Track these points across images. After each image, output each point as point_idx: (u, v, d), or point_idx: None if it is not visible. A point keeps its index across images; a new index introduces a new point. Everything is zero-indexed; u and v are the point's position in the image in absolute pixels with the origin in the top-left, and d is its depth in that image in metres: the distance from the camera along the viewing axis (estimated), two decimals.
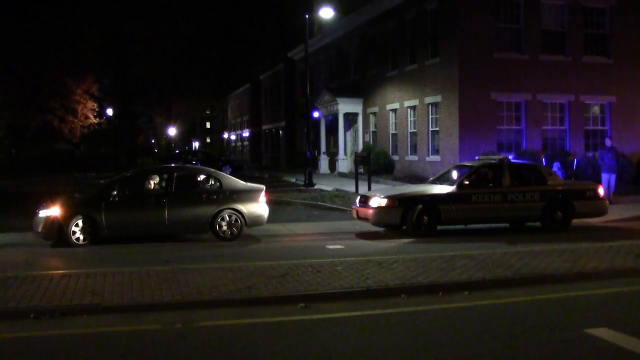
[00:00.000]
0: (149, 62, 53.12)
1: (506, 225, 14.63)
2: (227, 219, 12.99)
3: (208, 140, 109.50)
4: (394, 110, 29.22)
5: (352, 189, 22.31)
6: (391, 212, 13.22)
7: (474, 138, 22.90)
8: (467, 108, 23.08)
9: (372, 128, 32.18)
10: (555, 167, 19.60)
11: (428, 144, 25.87)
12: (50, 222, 12.20)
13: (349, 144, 34.72)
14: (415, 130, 27.07)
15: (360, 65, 33.75)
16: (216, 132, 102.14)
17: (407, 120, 27.80)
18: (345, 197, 20.52)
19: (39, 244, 12.64)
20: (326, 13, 28.02)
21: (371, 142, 31.68)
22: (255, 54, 67.78)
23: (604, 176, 18.67)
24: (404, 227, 13.37)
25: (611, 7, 24.62)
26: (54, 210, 12.27)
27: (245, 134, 69.78)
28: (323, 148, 36.69)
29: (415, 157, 26.94)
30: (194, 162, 39.26)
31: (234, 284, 8.56)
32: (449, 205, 13.27)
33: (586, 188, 14.56)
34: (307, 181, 25.69)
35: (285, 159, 48.88)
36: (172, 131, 74.15)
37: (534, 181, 14.13)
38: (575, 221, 14.27)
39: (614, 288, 8.63)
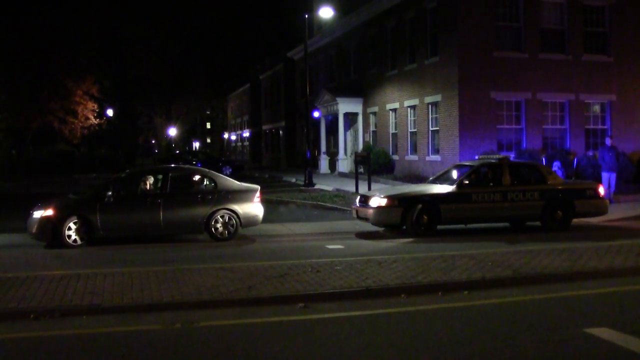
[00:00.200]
0: (148, 63, 53.14)
1: (506, 224, 14.63)
2: (222, 219, 12.98)
3: (208, 140, 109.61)
4: (394, 110, 29.22)
5: (352, 188, 22.30)
6: (391, 211, 13.21)
7: (474, 137, 22.89)
8: (467, 107, 23.06)
9: (372, 128, 32.17)
10: (556, 166, 19.57)
11: (428, 144, 25.86)
12: (44, 222, 12.15)
13: (349, 144, 34.72)
14: (415, 130, 27.06)
15: (360, 64, 33.75)
16: (216, 132, 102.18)
17: (407, 120, 27.79)
18: (345, 197, 20.51)
19: (33, 245, 12.59)
20: (326, 13, 28.02)
21: (371, 142, 31.68)
22: (255, 54, 67.90)
23: (605, 175, 18.65)
24: (404, 227, 13.37)
25: (611, 5, 24.60)
26: (48, 211, 12.23)
27: (246, 134, 69.79)
28: (323, 148, 36.69)
29: (415, 157, 26.94)
30: (194, 163, 39.29)
31: (234, 284, 8.56)
32: (448, 205, 13.27)
33: (586, 187, 14.55)
34: (307, 181, 25.68)
35: (286, 159, 48.89)
36: (172, 132, 74.16)
37: (533, 180, 14.12)
38: (575, 220, 14.27)
39: (614, 287, 8.62)
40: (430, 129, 25.74)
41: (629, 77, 24.75)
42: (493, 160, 14.52)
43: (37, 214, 12.30)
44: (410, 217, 13.09)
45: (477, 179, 13.88)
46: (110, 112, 51.05)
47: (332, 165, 35.58)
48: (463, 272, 9.08)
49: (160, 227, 12.79)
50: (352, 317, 7.34)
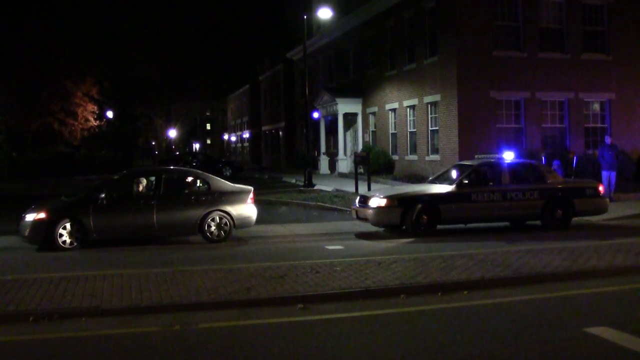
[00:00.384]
0: (148, 64, 53.13)
1: (506, 224, 14.61)
2: (216, 220, 12.94)
3: (208, 141, 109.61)
4: (393, 110, 29.20)
5: (352, 189, 22.28)
6: (391, 212, 13.19)
7: (473, 137, 22.87)
8: (466, 107, 23.05)
9: (371, 128, 32.16)
10: (555, 165, 19.54)
11: (427, 144, 25.84)
12: (37, 225, 12.08)
13: (348, 144, 34.70)
14: (415, 130, 27.04)
15: (359, 65, 33.74)
16: (216, 133, 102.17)
17: (407, 120, 27.78)
18: (345, 198, 20.49)
19: (26, 248, 12.54)
20: (324, 13, 27.99)
21: (371, 142, 31.66)
22: (254, 55, 67.87)
23: (604, 174, 18.63)
24: (404, 227, 13.35)
25: (609, 3, 24.59)
26: (40, 214, 12.17)
27: (245, 135, 69.78)
28: (323, 148, 36.67)
29: (415, 157, 26.92)
30: (194, 164, 39.28)
31: (233, 285, 8.54)
32: (448, 205, 13.25)
33: (586, 186, 14.52)
34: (306, 182, 25.66)
35: (285, 159, 48.87)
36: (172, 133, 74.15)
37: (533, 180, 14.10)
38: (575, 219, 14.25)
39: (614, 286, 8.60)
40: (430, 128, 25.73)
41: (628, 76, 24.72)
42: (492, 160, 14.50)
43: (30, 217, 12.23)
44: (409, 217, 13.07)
45: (476, 178, 13.86)
46: (110, 114, 51.03)
47: (332, 165, 35.56)
48: (463, 272, 9.06)
49: (154, 229, 12.76)
50: (352, 318, 7.32)
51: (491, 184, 13.79)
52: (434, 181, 14.86)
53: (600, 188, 14.57)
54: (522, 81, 23.46)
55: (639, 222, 14.93)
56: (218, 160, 47.40)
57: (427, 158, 25.75)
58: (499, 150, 22.28)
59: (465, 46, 23.10)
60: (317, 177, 30.79)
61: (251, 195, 13.45)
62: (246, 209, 13.25)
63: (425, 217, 13.14)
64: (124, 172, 14.43)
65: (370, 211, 13.33)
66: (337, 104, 33.18)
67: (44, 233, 12.11)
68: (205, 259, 10.95)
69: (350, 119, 34.24)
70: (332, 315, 7.45)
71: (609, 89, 24.56)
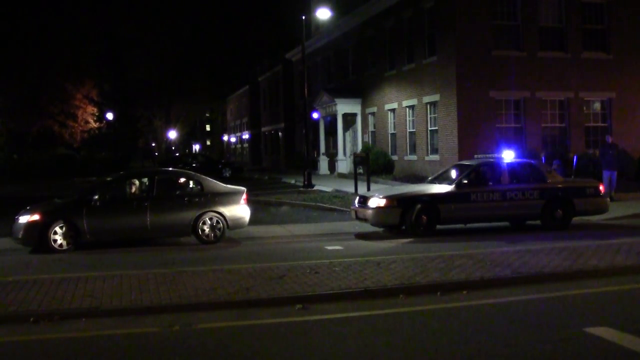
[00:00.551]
0: (147, 66, 53.19)
1: (506, 224, 14.58)
2: (209, 221, 12.91)
3: (208, 143, 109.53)
4: (393, 110, 29.19)
5: (352, 189, 22.26)
6: (390, 212, 13.17)
7: (473, 137, 22.85)
8: (465, 107, 23.03)
9: (371, 128, 32.15)
10: (556, 164, 19.54)
11: (427, 144, 25.82)
12: (30, 227, 12.05)
13: (348, 145, 34.69)
14: (414, 130, 27.02)
15: (358, 65, 33.73)
16: (216, 134, 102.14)
17: (406, 120, 27.76)
18: (344, 198, 20.48)
19: (19, 250, 12.50)
20: (323, 14, 27.99)
21: (370, 143, 31.65)
22: (254, 56, 67.85)
23: (605, 173, 18.60)
24: (403, 227, 13.33)
25: (609, 1, 24.55)
26: (34, 216, 12.14)
27: (245, 136, 69.76)
28: (322, 149, 36.65)
29: (414, 157, 26.90)
30: (194, 165, 39.28)
31: (232, 285, 8.52)
32: (448, 205, 13.23)
33: (586, 185, 14.50)
34: (306, 182, 25.64)
35: (285, 160, 48.85)
36: (172, 134, 74.16)
37: (533, 179, 14.07)
38: (576, 219, 14.22)
39: (615, 286, 8.57)
40: (429, 128, 25.71)
41: (628, 74, 24.69)
42: (492, 160, 14.48)
43: (23, 219, 12.20)
44: (409, 217, 13.05)
45: (476, 178, 13.84)
46: (110, 116, 51.05)
47: (332, 166, 35.55)
48: (462, 272, 9.04)
49: (147, 231, 12.73)
50: (351, 318, 7.30)
51: (491, 183, 13.76)
52: (433, 181, 14.84)
53: (601, 188, 14.55)
54: (521, 81, 23.43)
55: None
56: (218, 161, 47.41)
57: (426, 158, 25.73)
58: (499, 150, 22.28)
59: (465, 46, 23.08)
60: (316, 177, 30.77)
61: (244, 196, 13.41)
62: (239, 210, 13.21)
63: (425, 217, 13.12)
64: (118, 173, 14.36)
65: (370, 211, 13.31)
66: (336, 104, 33.17)
67: (38, 235, 12.07)
68: (204, 260, 10.93)
69: (349, 119, 34.23)
70: (331, 315, 7.43)
71: (609, 88, 24.53)
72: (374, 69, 31.28)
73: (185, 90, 65.00)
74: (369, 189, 19.87)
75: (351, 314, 7.45)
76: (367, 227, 14.20)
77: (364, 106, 32.78)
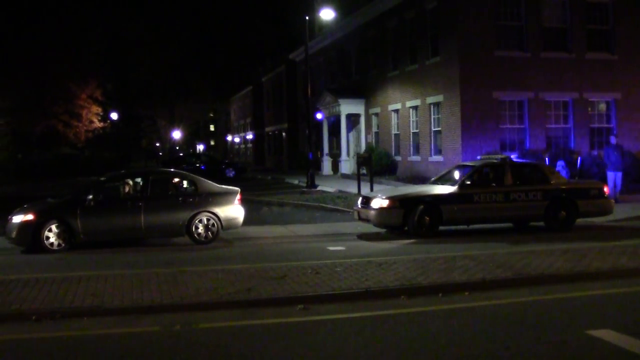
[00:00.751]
0: (150, 66, 53.26)
1: (509, 225, 14.53)
2: (204, 222, 12.88)
3: (212, 143, 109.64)
4: (396, 111, 29.15)
5: (355, 190, 22.22)
6: (392, 212, 13.14)
7: (476, 137, 22.80)
8: (469, 107, 22.97)
9: (374, 129, 32.11)
10: (559, 166, 19.45)
11: (430, 144, 25.77)
12: (24, 227, 12.02)
13: (351, 145, 34.66)
14: (418, 131, 26.97)
15: (361, 65, 33.70)
16: (220, 134, 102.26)
17: (409, 121, 27.72)
18: (347, 199, 20.44)
19: (12, 249, 12.48)
20: (326, 14, 27.96)
21: (374, 143, 31.61)
22: (257, 56, 67.89)
23: (610, 175, 18.52)
24: (406, 228, 13.29)
25: (615, 1, 24.43)
26: (28, 216, 12.11)
27: (249, 136, 69.80)
28: (326, 149, 36.63)
29: (417, 158, 26.85)
30: (197, 165, 39.29)
31: (233, 285, 8.51)
32: (450, 206, 13.18)
33: (590, 187, 14.43)
34: (309, 183, 25.62)
35: (288, 160, 48.85)
36: (176, 134, 74.26)
37: (536, 180, 14.01)
38: (580, 221, 14.15)
39: (618, 289, 8.52)
40: (433, 129, 25.66)
41: (634, 75, 24.56)
42: (495, 161, 14.44)
43: (17, 219, 12.18)
44: (411, 218, 13.01)
45: (479, 179, 13.80)
46: (114, 116, 51.16)
47: (335, 166, 35.53)
48: (464, 274, 9.00)
49: (141, 231, 12.72)
50: (352, 319, 7.28)
51: (494, 184, 13.71)
52: (436, 182, 14.79)
53: (605, 189, 14.47)
54: (525, 81, 23.37)
55: None
56: (221, 161, 47.39)
57: (430, 159, 25.68)
58: (503, 151, 22.25)
59: (468, 46, 23.03)
60: (320, 178, 30.74)
61: (238, 196, 13.38)
62: (233, 210, 13.18)
63: (427, 218, 13.08)
64: (111, 173, 14.33)
65: (372, 212, 13.28)
66: (339, 105, 33.15)
67: (31, 235, 12.04)
68: (205, 260, 10.93)
69: (353, 119, 34.21)
70: (332, 316, 7.41)
71: (614, 89, 24.43)
72: (377, 69, 31.25)
73: (189, 90, 65.14)
74: (372, 190, 19.82)
75: (352, 315, 7.43)
76: (370, 228, 14.17)
77: (367, 107, 32.75)
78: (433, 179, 15.81)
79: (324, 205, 19.43)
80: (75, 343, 6.65)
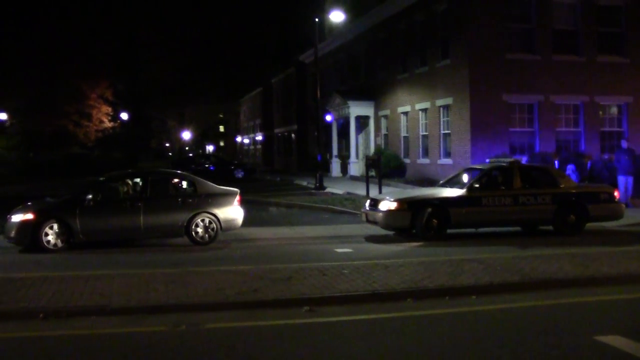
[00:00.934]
0: (161, 67, 53.48)
1: (518, 228, 14.44)
2: (203, 223, 12.85)
3: (222, 144, 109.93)
4: (405, 113, 29.08)
5: (363, 192, 22.16)
6: (400, 215, 13.10)
7: (486, 140, 22.69)
8: (478, 110, 22.88)
9: (383, 131, 32.06)
10: (570, 169, 19.33)
11: (440, 147, 25.69)
12: (23, 226, 12.03)
13: (360, 147, 34.62)
14: (427, 133, 26.89)
15: (370, 68, 33.66)
16: (229, 135, 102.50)
17: (419, 123, 27.65)
18: (355, 201, 20.41)
19: (9, 248, 12.50)
20: (336, 16, 27.97)
21: (383, 145, 31.55)
22: (267, 58, 68.01)
23: (621, 179, 18.36)
24: (414, 231, 13.24)
25: (627, 4, 24.26)
26: (27, 215, 12.12)
27: (258, 137, 69.92)
28: (335, 151, 36.61)
29: (426, 160, 26.77)
30: (206, 166, 39.42)
31: (239, 286, 8.51)
32: (458, 209, 13.12)
33: (601, 191, 14.32)
34: (317, 184, 25.62)
35: (297, 162, 48.87)
36: (185, 135, 74.49)
37: (545, 184, 13.92)
38: (590, 225, 14.03)
39: (627, 294, 8.43)
40: (442, 132, 25.58)
41: None
42: (504, 164, 14.35)
43: (16, 218, 12.19)
44: (419, 220, 12.96)
45: (487, 182, 13.72)
46: (124, 116, 51.39)
47: (344, 168, 35.50)
48: (471, 277, 8.95)
49: (140, 231, 12.71)
50: (358, 321, 7.26)
51: (502, 188, 13.64)
52: (444, 185, 14.74)
53: (616, 193, 14.35)
54: (535, 84, 23.24)
55: None
56: (230, 162, 47.48)
57: (439, 162, 25.59)
58: (512, 154, 22.13)
59: (477, 49, 22.94)
60: (328, 179, 30.73)
61: (237, 197, 13.35)
62: (233, 211, 13.15)
63: (435, 221, 13.02)
64: (110, 174, 14.29)
65: (380, 214, 13.24)
66: (349, 107, 33.12)
67: (30, 234, 12.05)
68: (210, 260, 10.93)
69: (362, 122, 34.17)
70: (338, 318, 7.39)
71: (625, 92, 24.23)
72: (386, 71, 31.20)
73: (199, 91, 65.31)
74: (380, 192, 19.78)
75: (358, 317, 7.40)
76: (378, 230, 14.12)
77: (376, 109, 32.70)
78: (441, 181, 15.76)
79: (332, 207, 19.41)
80: (82, 342, 6.68)
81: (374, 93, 32.69)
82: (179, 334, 6.83)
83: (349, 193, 23.74)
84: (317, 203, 20.56)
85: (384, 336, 6.70)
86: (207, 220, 12.88)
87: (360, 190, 23.66)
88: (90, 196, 12.52)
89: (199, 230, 12.85)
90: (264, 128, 65.37)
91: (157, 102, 58.11)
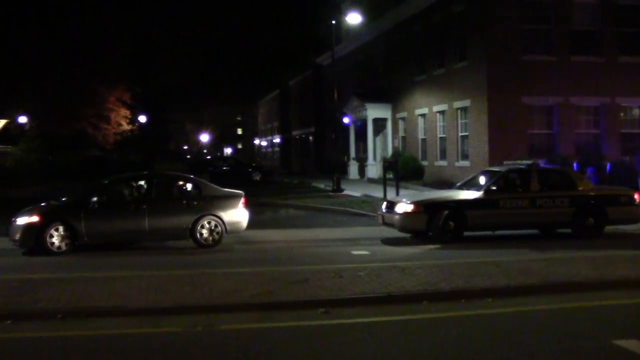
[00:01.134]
0: (178, 70, 53.85)
1: (535, 231, 14.32)
2: (208, 225, 12.81)
3: (240, 146, 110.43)
4: (423, 115, 29.00)
5: (381, 194, 22.09)
6: (417, 217, 13.04)
7: (503, 143, 22.54)
8: (496, 112, 22.75)
9: (401, 133, 31.99)
10: (589, 171, 19.13)
11: (457, 149, 25.57)
12: (28, 229, 12.02)
13: (378, 150, 34.57)
14: (445, 136, 26.78)
15: (388, 70, 33.61)
16: (247, 138, 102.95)
17: (436, 125, 27.55)
18: (372, 203, 20.37)
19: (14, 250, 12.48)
20: (353, 18, 28.00)
21: (400, 148, 31.48)
22: (284, 60, 68.13)
23: None
24: (430, 233, 13.18)
25: None
26: (33, 217, 12.11)
27: (276, 140, 70.11)
28: (352, 154, 36.59)
29: (444, 163, 26.66)
30: (224, 168, 39.58)
31: (255, 288, 8.54)
32: (475, 211, 13.04)
33: (620, 194, 14.14)
34: (335, 187, 25.62)
35: (315, 164, 48.92)
36: (203, 137, 74.93)
37: (563, 186, 13.77)
38: (609, 228, 13.86)
39: None
40: (460, 134, 25.46)
41: None
42: (521, 166, 14.25)
43: (21, 221, 12.18)
44: (436, 223, 12.89)
45: (505, 185, 13.61)
46: (142, 119, 51.81)
47: (362, 170, 35.47)
48: (487, 280, 8.90)
49: (145, 234, 12.69)
50: (373, 323, 7.25)
51: (520, 190, 13.53)
52: (461, 187, 14.65)
53: (636, 196, 14.14)
54: (554, 86, 23.04)
55: None
56: (248, 165, 47.67)
57: (456, 164, 25.47)
58: (530, 156, 21.93)
59: (495, 51, 22.82)
60: (346, 182, 30.70)
61: (242, 199, 13.28)
62: (237, 214, 13.08)
63: (452, 224, 12.95)
64: (114, 176, 14.21)
65: (397, 217, 13.20)
66: (366, 109, 33.10)
67: (35, 237, 11.99)
68: (225, 262, 10.95)
69: (379, 124, 34.12)
70: (353, 320, 7.39)
71: None
72: (404, 73, 31.13)
73: (217, 94, 65.65)
74: (397, 194, 19.73)
75: (374, 319, 7.39)
76: (394, 233, 14.06)
77: (394, 111, 32.64)
78: (458, 184, 15.68)
79: (349, 209, 19.41)
80: (98, 342, 6.75)
81: (391, 95, 32.63)
82: (195, 335, 6.87)
83: (366, 195, 23.71)
84: (334, 205, 20.56)
85: (398, 338, 6.68)
86: (212, 223, 12.83)
87: (377, 192, 23.60)
88: (95, 198, 12.49)
89: (204, 232, 12.80)
90: (282, 130, 65.55)
91: (174, 105, 58.55)
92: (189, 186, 13.40)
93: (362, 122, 35.24)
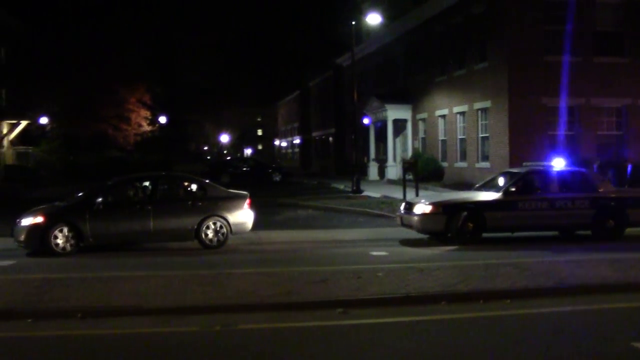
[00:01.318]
0: (198, 71, 54.23)
1: (555, 233, 14.23)
2: (213, 226, 12.82)
3: (260, 147, 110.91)
4: (443, 117, 28.91)
5: (400, 195, 22.09)
6: (435, 218, 13.04)
7: (524, 144, 22.39)
8: (517, 113, 22.61)
9: (421, 134, 31.92)
10: (611, 174, 18.93)
11: (477, 151, 25.46)
12: (32, 230, 12.00)
13: (398, 151, 34.52)
14: (465, 137, 26.68)
15: (408, 71, 33.56)
16: (267, 139, 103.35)
17: (456, 127, 27.45)
18: (392, 204, 20.35)
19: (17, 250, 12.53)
20: (373, 19, 27.98)
21: (420, 149, 31.41)
22: (304, 61, 68.31)
23: None
24: (449, 234, 13.16)
25: None
26: (37, 219, 12.14)
27: (296, 140, 70.31)
28: (372, 155, 36.58)
29: (464, 164, 26.55)
30: (244, 169, 39.76)
31: (274, 288, 8.62)
32: (494, 213, 13.00)
33: None
34: (354, 188, 25.65)
35: (335, 165, 48.96)
36: (223, 138, 75.37)
37: (583, 188, 13.67)
38: (630, 230, 13.73)
39: None
40: (480, 135, 25.35)
41: None
42: (541, 168, 14.18)
43: (25, 222, 12.22)
44: (454, 224, 12.88)
45: (524, 186, 13.55)
46: (162, 119, 52.25)
47: (381, 171, 35.44)
48: (506, 281, 8.89)
49: (150, 235, 12.72)
50: (390, 324, 7.29)
51: (539, 192, 13.46)
52: (480, 188, 14.62)
53: None
54: (576, 87, 22.82)
55: None
56: (268, 165, 47.86)
57: (476, 165, 25.36)
58: (551, 158, 21.74)
59: (516, 51, 22.68)
60: (366, 183, 30.72)
61: (247, 200, 13.29)
62: (243, 215, 13.10)
63: (471, 225, 12.92)
64: (119, 177, 14.17)
65: (415, 218, 13.21)
66: (386, 110, 33.07)
67: (40, 238, 12.00)
68: (242, 263, 11.00)
69: (399, 125, 34.08)
70: (371, 320, 7.44)
71: None
72: (424, 74, 31.06)
73: (237, 95, 66.01)
74: (417, 195, 19.71)
75: (391, 320, 7.43)
76: (413, 234, 14.07)
77: (414, 112, 32.58)
78: (477, 185, 15.64)
79: (368, 210, 19.43)
80: (117, 341, 6.87)
81: (412, 96, 32.57)
82: (213, 335, 6.96)
83: (385, 196, 23.71)
84: (353, 206, 20.59)
85: (415, 339, 6.72)
86: (217, 224, 12.85)
87: (397, 193, 23.60)
88: (100, 199, 12.51)
89: (210, 233, 12.82)
90: (302, 131, 65.70)
91: (195, 106, 58.96)
92: (194, 187, 13.42)
93: (382, 123, 35.23)
